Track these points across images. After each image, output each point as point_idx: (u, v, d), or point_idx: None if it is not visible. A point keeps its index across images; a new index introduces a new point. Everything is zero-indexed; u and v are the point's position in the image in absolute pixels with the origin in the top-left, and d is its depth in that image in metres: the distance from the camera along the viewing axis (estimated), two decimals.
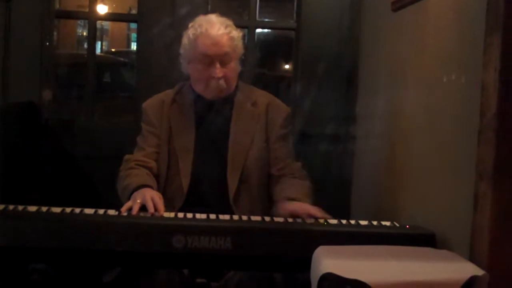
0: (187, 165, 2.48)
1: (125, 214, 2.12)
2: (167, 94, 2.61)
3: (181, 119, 2.54)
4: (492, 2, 1.81)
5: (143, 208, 2.15)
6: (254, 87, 2.66)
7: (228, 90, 2.51)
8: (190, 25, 2.52)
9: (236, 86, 2.56)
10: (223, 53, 2.43)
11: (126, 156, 2.52)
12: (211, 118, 2.53)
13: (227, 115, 2.53)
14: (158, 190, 2.40)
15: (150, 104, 2.61)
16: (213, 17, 2.51)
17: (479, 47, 1.85)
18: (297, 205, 2.26)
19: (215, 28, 2.44)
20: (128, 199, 2.25)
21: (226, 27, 2.47)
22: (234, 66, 2.50)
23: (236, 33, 2.50)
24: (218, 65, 2.42)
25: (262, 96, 2.60)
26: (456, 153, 2.06)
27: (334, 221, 2.17)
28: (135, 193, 2.24)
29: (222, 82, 2.44)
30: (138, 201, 2.16)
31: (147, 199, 2.16)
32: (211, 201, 2.42)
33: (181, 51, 2.54)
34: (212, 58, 2.42)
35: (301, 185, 2.46)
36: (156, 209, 2.13)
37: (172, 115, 2.55)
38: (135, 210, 2.12)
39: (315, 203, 2.33)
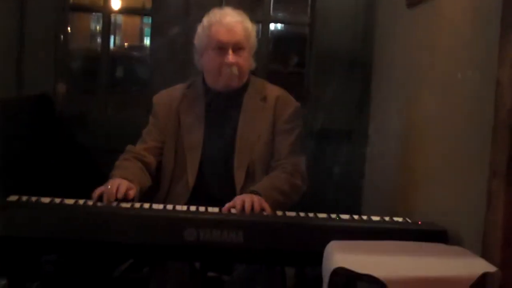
0: (195, 163, 2.46)
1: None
2: (179, 88, 2.60)
3: (191, 115, 2.52)
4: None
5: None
6: (267, 82, 2.63)
7: (240, 81, 2.49)
8: (204, 17, 2.53)
9: (248, 81, 2.55)
10: (236, 40, 2.43)
11: (128, 147, 2.50)
12: (220, 114, 2.52)
13: (236, 111, 2.51)
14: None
15: (159, 98, 2.60)
16: (227, 9, 2.53)
17: (495, 44, 1.84)
18: (238, 197, 2.23)
19: (229, 17, 2.46)
20: None
21: (240, 16, 2.49)
22: (247, 56, 2.49)
23: (250, 25, 2.51)
24: (231, 52, 2.42)
25: (273, 91, 2.57)
26: (469, 150, 2.05)
27: (346, 216, 2.17)
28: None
29: (234, 69, 2.43)
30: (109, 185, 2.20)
31: (112, 184, 2.19)
32: (217, 196, 2.38)
33: (195, 41, 2.53)
34: (226, 44, 2.42)
35: (278, 179, 2.38)
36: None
37: (182, 110, 2.53)
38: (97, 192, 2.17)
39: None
